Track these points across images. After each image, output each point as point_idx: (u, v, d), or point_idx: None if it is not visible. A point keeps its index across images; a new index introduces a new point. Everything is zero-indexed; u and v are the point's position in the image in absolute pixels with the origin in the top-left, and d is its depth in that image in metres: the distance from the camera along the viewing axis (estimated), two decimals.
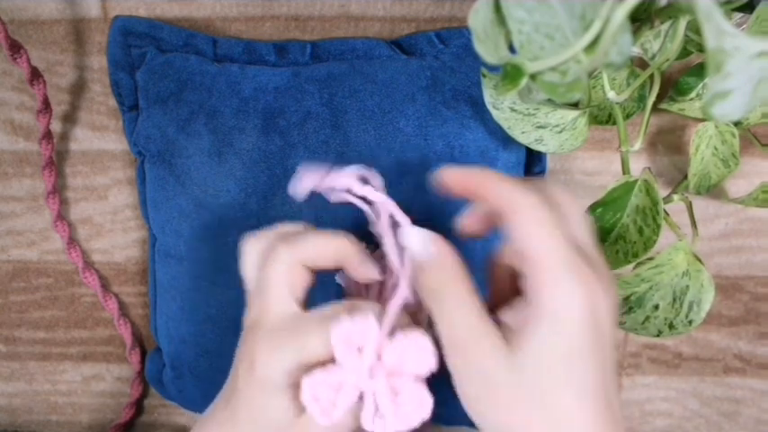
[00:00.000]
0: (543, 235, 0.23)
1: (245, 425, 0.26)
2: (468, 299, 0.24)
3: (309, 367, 0.26)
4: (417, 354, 0.26)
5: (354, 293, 0.33)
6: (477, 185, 0.26)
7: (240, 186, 0.38)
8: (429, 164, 0.38)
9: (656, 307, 0.37)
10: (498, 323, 0.25)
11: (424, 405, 0.26)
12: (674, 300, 0.37)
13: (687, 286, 0.36)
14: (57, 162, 0.43)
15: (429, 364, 0.26)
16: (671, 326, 0.37)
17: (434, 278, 0.25)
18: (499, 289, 0.29)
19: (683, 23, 0.31)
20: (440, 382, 0.41)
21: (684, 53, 0.36)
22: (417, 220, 0.37)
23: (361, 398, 0.26)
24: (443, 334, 0.25)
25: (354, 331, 0.26)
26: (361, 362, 0.26)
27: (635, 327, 0.37)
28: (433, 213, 0.38)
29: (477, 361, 0.24)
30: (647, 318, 0.37)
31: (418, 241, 0.26)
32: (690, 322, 0.37)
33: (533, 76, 0.27)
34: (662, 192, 0.39)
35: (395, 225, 0.28)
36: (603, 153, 0.43)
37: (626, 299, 0.37)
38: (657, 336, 0.37)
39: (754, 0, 0.29)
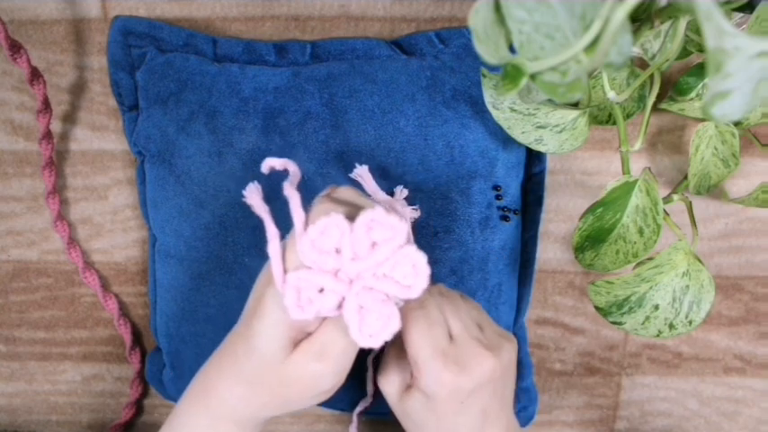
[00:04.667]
0: (416, 339, 0.31)
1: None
2: (398, 348, 0.34)
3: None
4: (408, 267, 0.28)
5: None
6: None
7: (240, 186, 0.38)
8: (429, 164, 0.38)
9: (656, 307, 0.37)
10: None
11: (390, 324, 0.28)
12: (674, 300, 0.37)
13: (687, 286, 0.36)
14: (57, 162, 0.43)
15: (420, 281, 0.28)
16: (671, 326, 0.37)
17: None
18: None
19: (683, 23, 0.31)
20: None
21: (684, 53, 0.36)
22: (417, 221, 0.38)
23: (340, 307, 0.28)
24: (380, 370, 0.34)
25: (320, 235, 0.27)
26: (338, 264, 0.27)
27: (635, 327, 0.37)
28: (432, 213, 0.38)
29: (385, 387, 0.34)
30: (647, 318, 0.37)
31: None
32: (690, 322, 0.37)
33: (533, 76, 0.27)
34: (662, 192, 0.39)
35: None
36: (603, 153, 0.43)
37: (626, 299, 0.37)
38: (657, 336, 0.37)
39: (754, 0, 0.29)
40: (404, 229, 0.27)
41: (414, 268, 0.27)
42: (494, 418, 0.33)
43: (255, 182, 0.30)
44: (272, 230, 0.29)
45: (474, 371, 0.32)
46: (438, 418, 0.33)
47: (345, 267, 0.27)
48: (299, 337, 0.31)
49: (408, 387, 0.33)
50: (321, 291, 0.28)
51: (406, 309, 0.31)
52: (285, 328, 0.30)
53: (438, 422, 0.33)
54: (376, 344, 0.28)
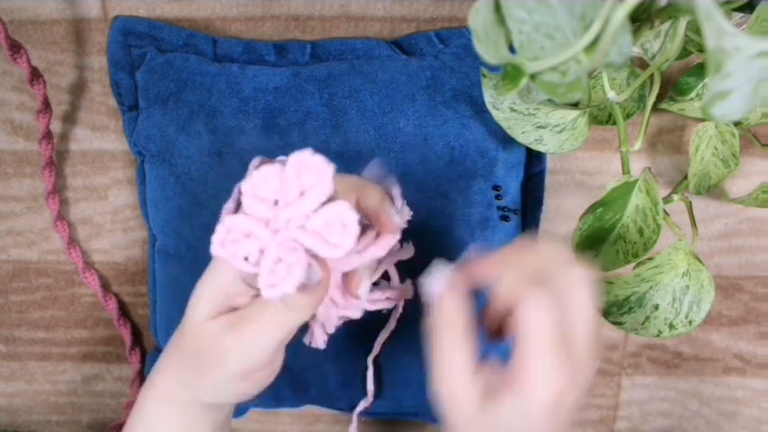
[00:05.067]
0: (537, 326, 0.26)
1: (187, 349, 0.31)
2: (461, 343, 0.28)
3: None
4: (338, 225, 0.26)
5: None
6: (492, 274, 0.29)
7: None
8: (429, 164, 0.37)
9: (656, 307, 0.37)
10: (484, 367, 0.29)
11: (291, 274, 0.26)
12: (674, 300, 0.37)
13: (687, 286, 0.36)
14: (57, 162, 0.43)
15: (346, 241, 0.26)
16: (671, 326, 0.37)
17: (438, 318, 0.29)
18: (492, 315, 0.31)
19: (683, 23, 0.31)
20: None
21: (684, 53, 0.36)
22: (417, 221, 0.37)
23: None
24: (436, 363, 0.29)
25: (260, 181, 0.27)
26: (272, 214, 0.27)
27: (635, 327, 0.37)
28: (431, 213, 0.38)
29: (455, 399, 0.28)
30: (647, 318, 0.37)
31: (433, 283, 0.30)
32: (690, 322, 0.37)
33: (533, 76, 0.27)
34: (662, 192, 0.39)
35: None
36: (603, 153, 0.43)
37: (626, 299, 0.37)
38: (657, 336, 0.37)
39: (754, 0, 0.29)
40: (329, 173, 0.26)
41: (343, 227, 0.26)
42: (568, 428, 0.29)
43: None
44: (236, 192, 0.29)
45: (580, 381, 0.27)
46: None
47: (277, 217, 0.27)
48: (228, 310, 0.30)
49: (492, 394, 0.27)
50: (248, 236, 0.27)
51: (526, 310, 0.27)
52: (216, 292, 0.29)
53: None
54: (274, 294, 0.26)
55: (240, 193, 0.28)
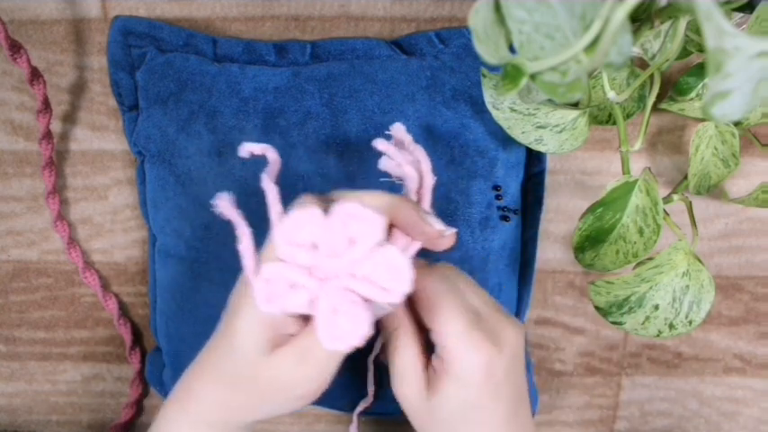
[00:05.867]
0: (447, 314, 0.29)
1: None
2: (406, 347, 0.31)
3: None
4: (390, 270, 0.26)
5: None
6: None
7: (240, 186, 0.38)
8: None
9: (656, 307, 0.37)
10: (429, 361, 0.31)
11: (359, 328, 0.26)
12: (674, 300, 0.37)
13: (687, 286, 0.36)
14: (57, 162, 0.43)
15: (401, 285, 0.26)
16: (671, 326, 0.37)
17: (385, 327, 0.32)
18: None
19: (683, 23, 0.31)
20: None
21: (684, 53, 0.36)
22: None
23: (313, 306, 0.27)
24: (390, 362, 0.32)
25: (296, 227, 0.26)
26: (314, 260, 0.26)
27: (635, 327, 0.37)
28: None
29: (406, 391, 0.31)
30: (647, 318, 0.37)
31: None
32: (690, 322, 0.37)
33: (533, 76, 0.27)
34: (662, 192, 0.39)
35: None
36: (603, 153, 0.43)
37: (626, 299, 0.37)
38: (657, 336, 0.37)
39: (754, 0, 0.29)
40: (380, 222, 0.26)
41: (395, 271, 0.26)
42: (523, 400, 0.32)
43: (226, 192, 0.30)
44: (242, 229, 0.28)
45: (505, 343, 0.30)
46: (475, 409, 0.30)
47: (321, 264, 0.26)
48: (279, 340, 0.30)
49: (434, 383, 0.30)
50: (293, 286, 0.26)
51: (429, 286, 0.29)
52: (263, 328, 0.29)
53: (476, 414, 0.30)
54: (342, 347, 0.26)
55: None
